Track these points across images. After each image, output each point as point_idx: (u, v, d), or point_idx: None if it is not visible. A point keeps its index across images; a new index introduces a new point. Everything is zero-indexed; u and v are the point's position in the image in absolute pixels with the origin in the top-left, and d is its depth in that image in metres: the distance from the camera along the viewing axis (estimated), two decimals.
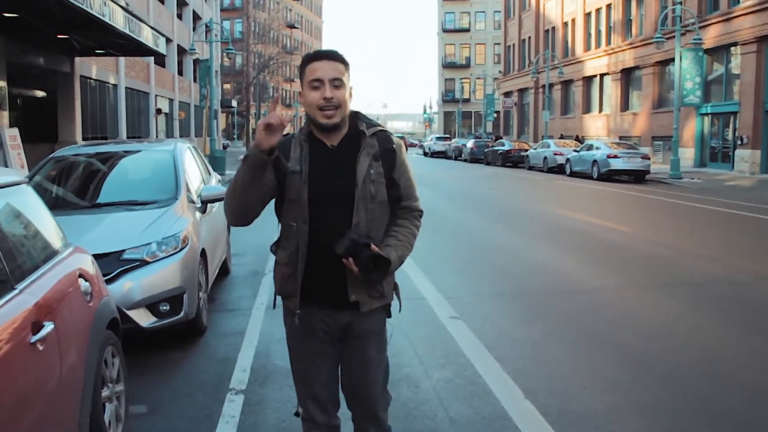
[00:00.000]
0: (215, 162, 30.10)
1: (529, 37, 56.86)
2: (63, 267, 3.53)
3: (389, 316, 3.02)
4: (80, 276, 3.66)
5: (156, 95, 39.48)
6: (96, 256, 5.38)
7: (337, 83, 2.74)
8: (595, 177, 26.79)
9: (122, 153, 7.83)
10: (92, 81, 28.30)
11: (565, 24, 49.72)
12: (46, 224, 3.77)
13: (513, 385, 4.85)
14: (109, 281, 5.38)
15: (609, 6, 42.45)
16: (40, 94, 24.35)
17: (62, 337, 3.11)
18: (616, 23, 41.37)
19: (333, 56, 2.79)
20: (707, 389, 4.86)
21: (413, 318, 6.49)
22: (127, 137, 32.23)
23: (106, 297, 3.98)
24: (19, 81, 21.86)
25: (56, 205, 6.73)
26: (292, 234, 2.83)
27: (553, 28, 51.85)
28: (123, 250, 5.61)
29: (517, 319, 6.71)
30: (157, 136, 38.84)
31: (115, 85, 31.71)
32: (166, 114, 43.03)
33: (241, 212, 2.81)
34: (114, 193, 6.91)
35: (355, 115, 2.89)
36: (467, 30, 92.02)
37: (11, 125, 19.67)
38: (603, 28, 43.59)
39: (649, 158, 27.35)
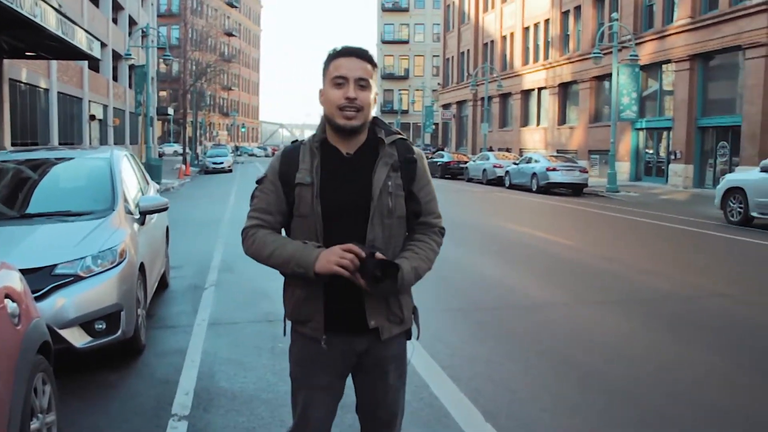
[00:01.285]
0: (151, 170, 29.32)
1: (468, 50, 57.38)
2: None
3: (409, 338, 2.77)
4: (6, 296, 3.31)
5: (90, 101, 38.42)
6: (25, 271, 5.00)
7: (363, 83, 2.50)
8: (534, 189, 27.01)
9: (54, 160, 7.37)
10: (22, 85, 27.32)
11: (504, 38, 50.32)
12: None
13: (471, 407, 4.65)
14: (39, 298, 5.00)
15: (547, 21, 43.11)
16: None
17: None
18: (554, 38, 42.02)
19: (362, 54, 2.55)
20: (668, 407, 4.75)
21: None
22: (59, 144, 31.18)
23: (36, 319, 3.62)
24: None
25: None
26: None
27: (492, 41, 52.42)
28: (55, 265, 5.22)
29: (468, 336, 6.53)
30: (90, 143, 37.75)
31: (46, 90, 30.70)
32: (100, 120, 41.90)
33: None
34: (45, 203, 6.47)
35: (375, 122, 2.64)
36: (406, 41, 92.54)
37: None
38: (541, 43, 44.24)
39: (587, 171, 27.74)
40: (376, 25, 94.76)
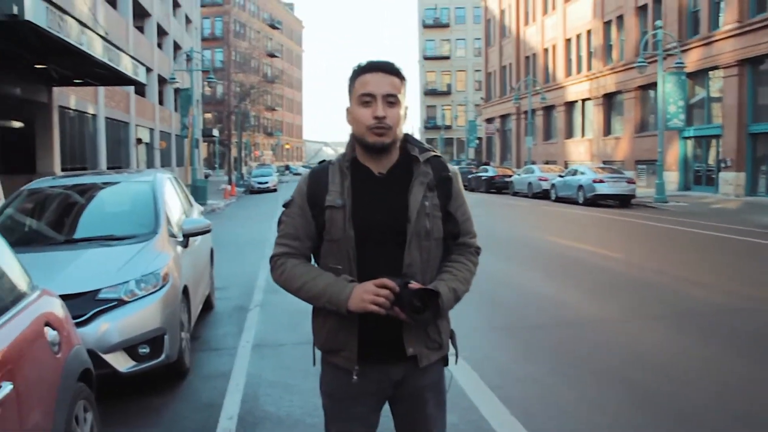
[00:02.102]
0: (197, 192, 29.70)
1: (510, 64, 57.05)
2: (26, 315, 3.14)
3: (446, 364, 2.61)
4: (47, 324, 3.27)
5: (136, 125, 39.05)
6: (69, 297, 5.02)
7: (392, 100, 2.36)
8: (580, 202, 26.60)
9: (99, 185, 7.43)
10: (71, 111, 27.87)
11: (546, 50, 49.91)
12: (8, 267, 3.38)
13: (522, 430, 4.48)
14: (83, 323, 5.02)
15: (589, 32, 42.65)
16: (17, 124, 23.87)
17: (23, 398, 2.72)
18: (596, 48, 41.53)
19: (388, 69, 2.40)
20: (727, 427, 4.52)
21: None
22: (107, 168, 31.76)
23: (77, 346, 3.58)
24: None
25: (28, 241, 6.38)
26: None
27: (534, 54, 52.04)
28: (99, 290, 5.21)
29: (518, 355, 6.35)
30: (137, 167, 38.34)
31: (94, 115, 31.28)
32: (146, 144, 42.57)
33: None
34: (90, 228, 6.51)
35: (406, 139, 2.51)
36: (448, 57, 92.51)
37: None
38: (584, 54, 43.75)
39: (634, 182, 27.23)
40: (418, 41, 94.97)
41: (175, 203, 7.29)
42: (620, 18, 38.55)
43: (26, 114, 23.63)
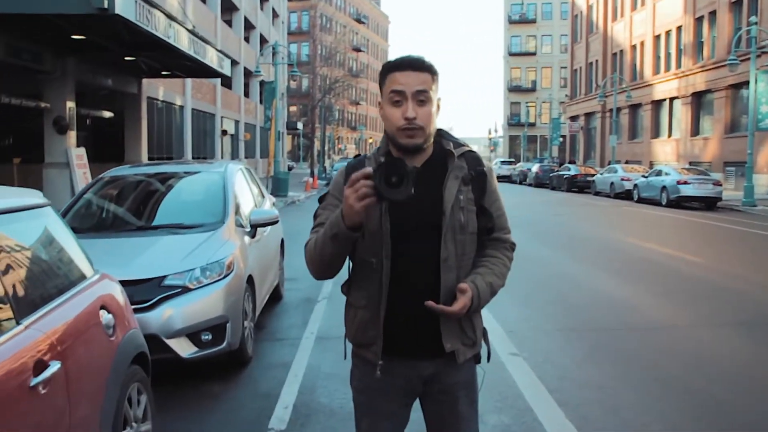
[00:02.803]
0: (278, 183, 30.19)
1: (597, 60, 55.86)
2: (82, 298, 3.25)
3: (478, 362, 2.59)
4: (102, 307, 3.38)
5: (222, 116, 40.01)
6: (136, 282, 5.23)
7: (422, 98, 2.33)
8: (663, 203, 25.85)
9: (173, 174, 7.64)
10: (159, 102, 28.76)
11: (634, 47, 48.63)
12: (68, 250, 3.50)
13: None
14: (149, 308, 5.18)
15: (679, 28, 41.33)
16: (108, 114, 24.78)
17: (72, 378, 2.82)
18: (686, 46, 40.22)
19: (418, 65, 2.37)
20: None
21: None
22: (193, 158, 32.67)
23: (132, 330, 3.69)
24: (88, 102, 22.28)
25: (102, 227, 6.63)
26: (371, 271, 2.40)
27: (621, 51, 50.79)
28: (164, 276, 5.36)
29: (581, 358, 6.21)
30: (222, 157, 39.30)
31: (181, 107, 32.20)
32: (231, 135, 43.56)
33: (329, 273, 2.44)
34: (161, 216, 6.71)
35: (440, 133, 2.49)
36: (533, 53, 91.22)
37: (79, 145, 20.03)
38: (673, 51, 42.44)
39: (720, 184, 26.27)
40: (503, 37, 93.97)
41: (245, 194, 7.42)
42: (713, 14, 37.21)
43: (117, 104, 24.50)
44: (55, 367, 2.66)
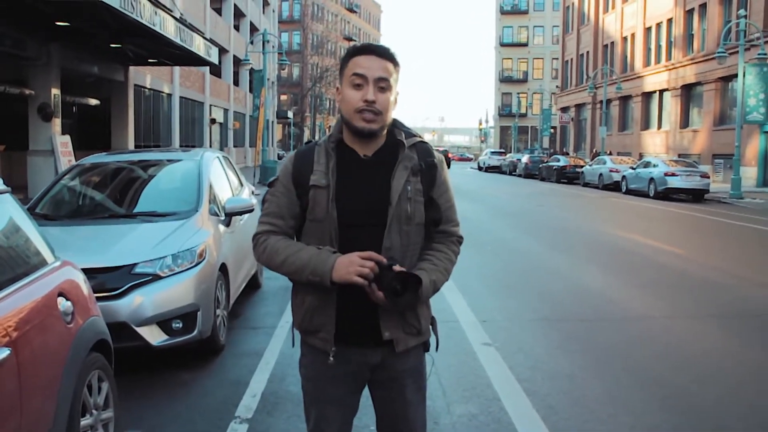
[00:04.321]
0: (267, 172, 30.09)
1: (588, 52, 55.90)
2: (39, 285, 3.23)
3: (427, 350, 2.61)
4: (60, 294, 3.36)
5: (211, 105, 39.87)
6: (105, 270, 5.22)
7: (383, 85, 2.35)
8: (651, 195, 25.93)
9: (149, 162, 7.60)
10: (146, 90, 28.63)
11: (625, 39, 48.68)
12: (27, 237, 3.48)
13: (542, 425, 4.40)
14: (118, 296, 5.16)
15: (670, 20, 41.37)
16: (94, 102, 24.67)
17: (24, 364, 2.80)
18: (677, 38, 40.27)
19: (382, 52, 2.39)
20: None
21: (443, 343, 5.90)
22: (181, 146, 32.52)
23: (92, 317, 3.67)
24: (74, 89, 22.17)
25: (75, 214, 6.60)
26: None
27: (612, 42, 50.84)
28: (135, 264, 5.34)
29: (554, 348, 6.22)
30: (210, 146, 39.15)
31: (169, 95, 32.06)
32: (220, 124, 43.42)
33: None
34: (135, 203, 6.70)
35: (393, 123, 2.48)
36: (525, 44, 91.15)
37: (64, 132, 19.94)
38: (663, 43, 42.50)
39: (708, 177, 26.36)
40: (495, 28, 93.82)
41: (221, 182, 7.39)
42: (703, 6, 37.28)
43: (103, 92, 24.39)
44: (3, 353, 2.64)
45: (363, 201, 2.39)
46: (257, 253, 2.50)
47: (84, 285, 3.80)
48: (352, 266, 2.26)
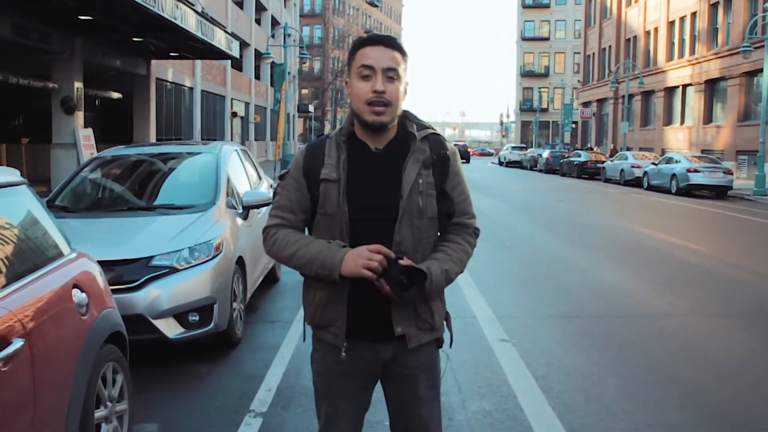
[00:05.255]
0: (287, 165, 30.06)
1: (610, 46, 55.41)
2: (54, 277, 3.25)
3: (440, 346, 2.57)
4: (75, 286, 3.37)
5: (232, 98, 39.99)
6: (123, 262, 5.25)
7: (392, 75, 2.33)
8: (673, 191, 25.67)
9: (168, 155, 7.63)
10: (168, 84, 28.77)
11: (647, 33, 48.20)
12: (43, 229, 3.50)
13: (557, 423, 4.36)
14: (135, 289, 5.19)
15: (694, 14, 40.89)
16: (116, 95, 24.83)
17: (38, 355, 2.82)
18: (701, 32, 39.81)
19: (390, 43, 2.37)
20: None
21: (460, 339, 5.91)
22: (202, 139, 32.65)
23: (107, 309, 3.68)
24: (96, 82, 22.34)
25: (94, 206, 6.64)
26: None
27: (635, 36, 50.34)
28: (152, 257, 5.36)
29: (571, 345, 6.18)
30: (232, 139, 39.26)
31: (191, 88, 32.20)
32: (241, 117, 43.55)
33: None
34: (153, 196, 6.73)
35: (405, 115, 2.46)
36: (547, 38, 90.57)
37: (87, 126, 20.11)
38: (687, 37, 42.02)
39: (731, 173, 26.05)
40: (516, 22, 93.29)
41: (239, 175, 7.40)
42: (728, 0, 36.81)
43: (125, 85, 24.55)
44: (17, 344, 2.65)
45: (374, 195, 2.38)
46: (267, 246, 2.50)
47: (99, 277, 3.82)
48: (360, 259, 2.26)
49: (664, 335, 6.52)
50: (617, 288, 8.64)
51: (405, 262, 2.27)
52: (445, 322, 2.57)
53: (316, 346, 2.56)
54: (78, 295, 3.36)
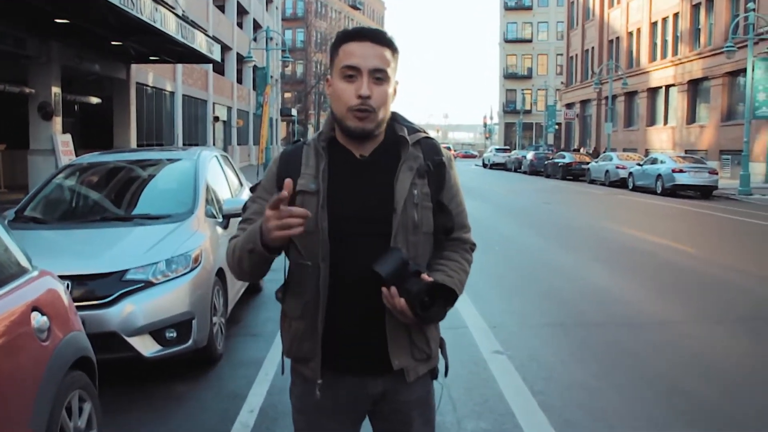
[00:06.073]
0: None
1: (593, 48, 55.47)
2: (8, 301, 2.94)
3: (435, 377, 2.28)
4: (35, 309, 3.07)
5: (214, 103, 39.56)
6: (94, 276, 4.94)
7: (380, 76, 2.02)
8: (659, 192, 25.57)
9: (144, 162, 7.30)
10: (148, 88, 28.34)
11: (630, 34, 48.25)
12: None
13: None
14: (108, 304, 4.88)
15: (676, 15, 40.94)
16: (95, 100, 24.39)
17: None
18: (683, 32, 39.85)
19: (378, 38, 2.05)
20: None
21: (452, 351, 5.60)
22: (183, 144, 32.22)
23: (73, 333, 3.37)
24: (75, 87, 21.92)
25: (64, 217, 6.32)
26: (307, 276, 2.09)
27: (618, 38, 50.40)
28: (125, 270, 5.04)
29: (569, 356, 5.92)
30: (214, 144, 38.85)
31: (171, 93, 31.76)
32: (224, 122, 43.11)
33: (253, 280, 2.23)
34: (128, 206, 6.39)
35: (393, 117, 2.16)
36: (529, 40, 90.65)
37: (66, 131, 19.68)
38: (670, 38, 42.06)
39: (716, 173, 25.98)
40: (499, 24, 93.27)
41: (220, 183, 7.11)
42: (710, 1, 36.85)
43: (105, 90, 24.11)
44: None
45: (360, 208, 2.07)
46: (228, 261, 2.15)
47: (65, 296, 3.51)
48: (270, 222, 1.86)
49: (662, 343, 6.27)
50: (610, 293, 8.41)
51: (426, 277, 1.99)
52: (440, 350, 2.28)
53: (294, 380, 2.27)
54: (38, 319, 3.05)
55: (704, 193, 25.01)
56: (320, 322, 2.08)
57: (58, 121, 19.00)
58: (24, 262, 3.32)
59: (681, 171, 24.86)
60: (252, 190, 2.23)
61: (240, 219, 2.21)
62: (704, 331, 6.76)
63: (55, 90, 18.72)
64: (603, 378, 5.33)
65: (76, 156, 18.59)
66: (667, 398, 4.89)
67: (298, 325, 2.15)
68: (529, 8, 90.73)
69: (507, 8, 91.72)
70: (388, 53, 2.06)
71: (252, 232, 1.97)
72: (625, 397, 4.94)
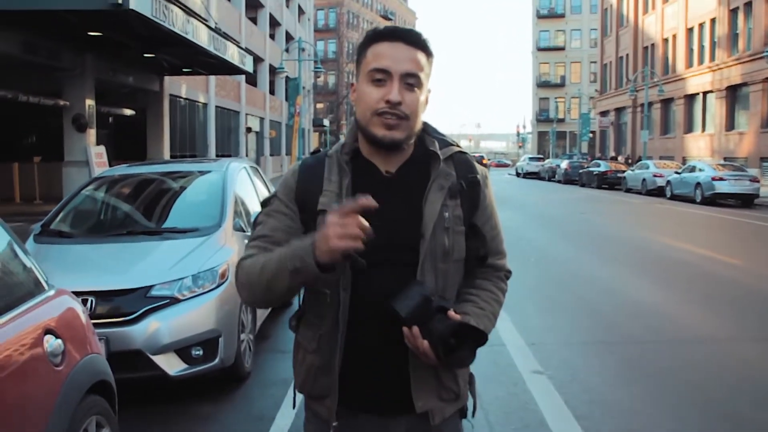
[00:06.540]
0: None
1: (627, 55, 54.77)
2: (20, 322, 2.77)
3: (464, 416, 2.05)
4: (48, 332, 2.90)
5: (246, 114, 39.69)
6: (118, 293, 4.79)
7: (411, 81, 1.80)
8: (698, 201, 25.00)
9: (173, 174, 7.16)
10: (182, 100, 28.48)
11: (665, 40, 47.53)
12: (11, 266, 3.03)
13: None
14: (132, 321, 4.71)
15: (713, 20, 40.21)
16: (129, 112, 24.56)
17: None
18: (721, 38, 39.12)
19: (413, 39, 1.83)
20: None
21: (489, 371, 5.48)
22: (216, 155, 32.32)
23: (90, 355, 3.20)
24: (109, 99, 22.07)
25: (89, 231, 6.20)
26: (325, 306, 1.87)
27: (653, 44, 49.69)
28: (151, 286, 4.88)
29: (612, 376, 5.63)
30: (246, 155, 38.97)
31: (204, 104, 31.90)
32: (256, 133, 43.25)
33: (271, 305, 1.94)
34: (155, 219, 6.25)
35: (424, 129, 1.93)
36: (562, 48, 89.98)
37: (100, 143, 19.81)
38: (707, 44, 41.33)
39: (758, 181, 25.36)
40: (531, 32, 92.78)
41: (249, 195, 6.93)
42: (748, 5, 36.10)
43: (138, 102, 24.26)
44: None
45: (385, 233, 1.74)
46: (238, 283, 1.90)
47: (83, 316, 3.34)
48: (333, 229, 1.60)
49: (714, 365, 5.94)
50: (652, 308, 8.07)
51: (454, 315, 1.76)
52: (468, 387, 2.04)
53: (309, 417, 2.02)
54: (51, 343, 2.88)
55: (745, 201, 24.41)
56: (338, 357, 1.85)
57: (92, 133, 19.11)
58: (40, 282, 3.15)
59: (721, 179, 24.29)
60: (263, 204, 1.99)
61: (252, 236, 1.97)
62: (758, 351, 6.40)
63: (89, 102, 18.84)
64: (649, 402, 5.04)
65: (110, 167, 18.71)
66: (721, 424, 4.59)
67: (312, 359, 1.92)
68: (562, 16, 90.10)
69: (539, 16, 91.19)
70: (422, 57, 1.83)
71: (297, 248, 1.70)
72: (674, 422, 4.65)
